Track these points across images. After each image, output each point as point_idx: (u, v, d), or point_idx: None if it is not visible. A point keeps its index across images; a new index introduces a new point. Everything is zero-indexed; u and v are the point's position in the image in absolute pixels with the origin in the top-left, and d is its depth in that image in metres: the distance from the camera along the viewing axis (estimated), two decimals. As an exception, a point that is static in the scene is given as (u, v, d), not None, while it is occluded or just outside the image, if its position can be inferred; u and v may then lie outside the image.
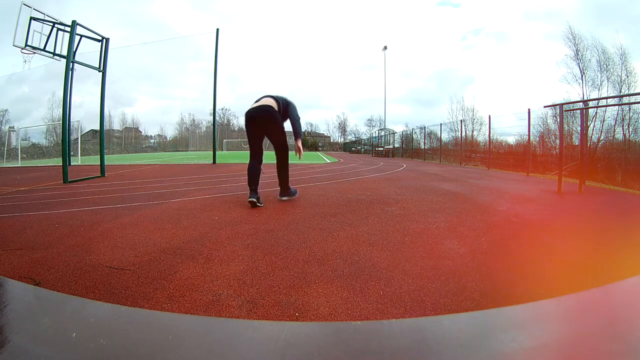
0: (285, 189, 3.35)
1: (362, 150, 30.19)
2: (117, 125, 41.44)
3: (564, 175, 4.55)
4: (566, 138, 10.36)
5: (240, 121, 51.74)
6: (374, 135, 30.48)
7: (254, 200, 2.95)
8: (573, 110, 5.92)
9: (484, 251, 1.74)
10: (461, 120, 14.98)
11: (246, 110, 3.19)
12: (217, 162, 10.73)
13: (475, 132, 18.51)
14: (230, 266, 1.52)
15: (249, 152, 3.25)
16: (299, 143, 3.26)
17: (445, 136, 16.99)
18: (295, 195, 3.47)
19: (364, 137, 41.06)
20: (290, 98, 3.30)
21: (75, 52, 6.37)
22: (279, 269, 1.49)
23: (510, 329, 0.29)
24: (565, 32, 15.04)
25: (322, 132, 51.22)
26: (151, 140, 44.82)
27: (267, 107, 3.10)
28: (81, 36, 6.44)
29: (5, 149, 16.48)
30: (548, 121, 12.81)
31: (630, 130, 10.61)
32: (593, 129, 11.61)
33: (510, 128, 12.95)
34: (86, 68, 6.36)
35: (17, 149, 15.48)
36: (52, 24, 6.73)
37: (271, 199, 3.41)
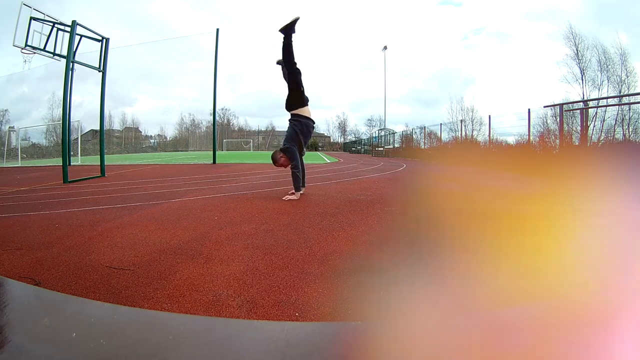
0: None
1: (362, 150, 30.19)
2: (117, 125, 41.42)
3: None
4: (566, 138, 10.36)
5: (240, 121, 51.75)
6: (374, 135, 30.48)
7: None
8: (573, 110, 5.93)
9: (485, 251, 1.74)
10: (461, 121, 15.02)
11: (308, 117, 3.55)
12: (217, 162, 10.73)
13: (475, 132, 18.52)
14: (230, 266, 1.52)
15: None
16: None
17: (445, 136, 17.01)
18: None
19: (364, 137, 41.08)
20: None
21: (75, 52, 6.37)
22: (279, 268, 1.49)
23: (510, 329, 0.29)
24: (565, 31, 15.05)
25: (322, 132, 51.21)
26: (151, 140, 44.79)
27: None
28: (81, 36, 6.44)
29: (5, 149, 16.48)
30: (548, 121, 12.83)
31: (630, 130, 10.61)
32: (593, 129, 11.62)
33: (510, 128, 12.96)
34: (86, 67, 6.37)
35: (17, 149, 15.49)
36: (52, 24, 6.73)
37: (270, 198, 3.42)
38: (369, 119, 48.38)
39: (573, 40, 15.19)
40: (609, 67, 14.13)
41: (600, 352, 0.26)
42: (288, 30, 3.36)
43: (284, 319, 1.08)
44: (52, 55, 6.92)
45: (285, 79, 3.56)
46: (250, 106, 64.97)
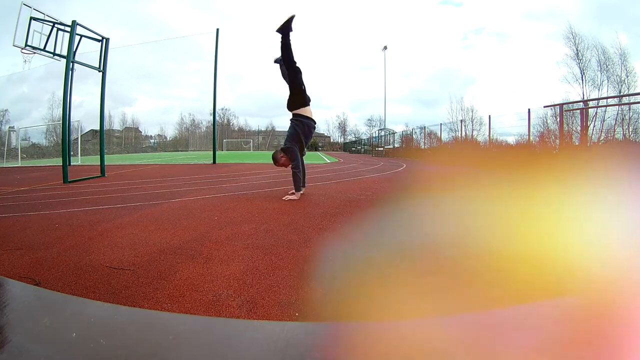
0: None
1: (362, 150, 30.19)
2: (117, 125, 41.44)
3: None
4: (566, 138, 10.36)
5: (240, 121, 51.76)
6: (374, 135, 30.49)
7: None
8: (573, 110, 5.93)
9: (486, 251, 1.74)
10: (461, 121, 15.03)
11: (310, 117, 3.57)
12: (217, 162, 10.73)
13: (475, 132, 18.55)
14: (230, 266, 1.52)
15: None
16: None
17: (445, 136, 17.04)
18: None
19: (364, 137, 41.10)
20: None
21: (75, 52, 6.37)
22: (279, 268, 1.49)
23: (511, 329, 0.29)
24: (565, 31, 15.07)
25: (322, 132, 51.17)
26: (151, 140, 44.80)
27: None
28: (81, 36, 6.44)
29: (5, 149, 16.49)
30: (548, 121, 12.84)
31: (630, 130, 10.61)
32: (593, 129, 11.62)
33: (510, 128, 12.97)
34: (86, 67, 6.37)
35: (17, 149, 15.50)
36: (52, 24, 6.73)
37: (270, 198, 3.42)
38: (369, 119, 48.39)
39: (573, 40, 15.23)
40: (609, 67, 14.15)
41: (600, 352, 0.26)
42: (285, 30, 3.36)
43: (284, 319, 1.07)
44: (52, 55, 6.92)
45: (285, 78, 3.56)
46: (250, 106, 64.94)
